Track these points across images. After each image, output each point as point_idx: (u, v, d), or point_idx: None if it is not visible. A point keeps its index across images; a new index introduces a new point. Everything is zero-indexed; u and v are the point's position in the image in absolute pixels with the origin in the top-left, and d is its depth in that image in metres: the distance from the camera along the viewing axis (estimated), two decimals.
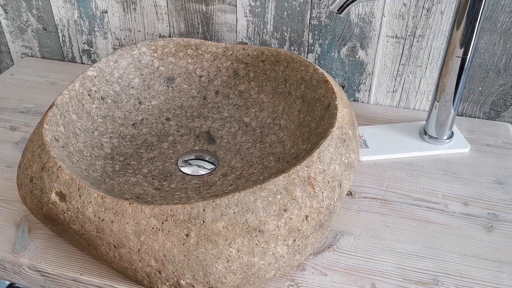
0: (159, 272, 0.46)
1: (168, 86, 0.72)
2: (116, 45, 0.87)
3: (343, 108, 0.58)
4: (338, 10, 0.57)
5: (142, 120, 0.69)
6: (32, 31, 0.91)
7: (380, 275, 0.53)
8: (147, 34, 0.84)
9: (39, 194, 0.50)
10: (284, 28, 0.77)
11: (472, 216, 0.60)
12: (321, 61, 0.78)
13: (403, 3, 0.70)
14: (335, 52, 0.77)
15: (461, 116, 0.77)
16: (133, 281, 0.49)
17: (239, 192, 0.46)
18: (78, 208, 0.47)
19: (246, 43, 0.80)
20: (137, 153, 0.64)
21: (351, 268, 0.54)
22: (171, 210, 0.45)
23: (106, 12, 0.84)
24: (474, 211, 0.60)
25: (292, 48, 0.78)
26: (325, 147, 0.52)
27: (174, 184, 0.60)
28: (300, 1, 0.74)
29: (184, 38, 0.71)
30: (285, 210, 0.47)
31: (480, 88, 0.74)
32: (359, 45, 0.75)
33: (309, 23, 0.75)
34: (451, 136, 0.70)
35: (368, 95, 0.79)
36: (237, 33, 0.80)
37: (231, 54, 0.71)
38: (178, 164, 0.64)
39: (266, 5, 0.75)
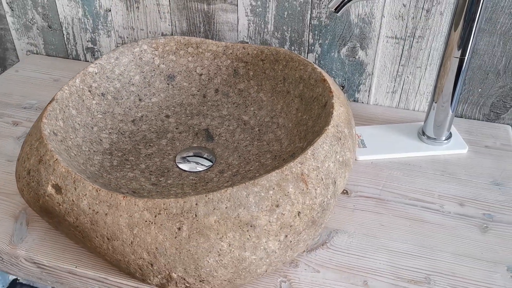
0: (151, 265, 0.47)
1: (168, 84, 0.72)
2: (119, 44, 0.88)
3: (339, 107, 0.58)
4: (335, 9, 0.57)
5: (142, 117, 0.69)
6: (37, 29, 0.92)
7: (373, 273, 0.53)
8: (150, 33, 0.85)
9: (36, 186, 0.50)
10: (284, 28, 0.77)
11: (467, 216, 0.60)
12: (321, 61, 0.79)
13: (403, 4, 0.70)
14: (335, 52, 0.77)
15: (461, 117, 0.77)
16: (126, 273, 0.50)
17: (232, 187, 0.46)
18: (73, 201, 0.48)
19: (247, 43, 0.81)
20: (135, 149, 0.65)
21: (344, 266, 0.54)
22: (164, 204, 0.46)
23: (110, 10, 0.85)
24: (470, 212, 0.60)
25: (293, 48, 0.79)
26: (320, 145, 0.52)
27: (171, 180, 0.61)
28: (300, 1, 0.74)
29: (185, 37, 0.72)
30: (277, 206, 0.47)
31: (479, 89, 0.74)
32: (359, 45, 0.75)
33: (310, 23, 0.76)
34: (449, 137, 0.70)
35: (368, 96, 0.79)
36: (238, 32, 0.80)
37: (231, 53, 0.72)
38: (176, 161, 0.64)
39: (267, 5, 0.76)
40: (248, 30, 0.79)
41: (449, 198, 0.62)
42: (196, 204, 0.46)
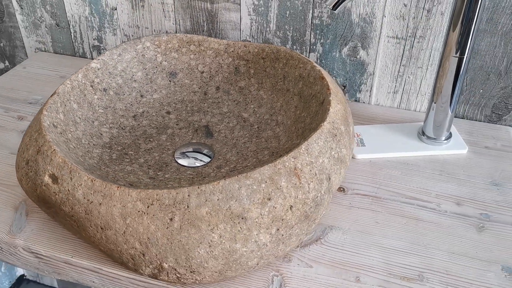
0: (143, 255, 0.47)
1: (170, 81, 0.73)
2: (124, 42, 0.89)
3: (336, 104, 0.59)
4: (333, 7, 0.57)
5: (143, 112, 0.70)
6: (46, 27, 0.94)
7: (365, 269, 0.53)
8: (154, 31, 0.86)
9: (34, 176, 0.51)
10: (286, 27, 0.78)
11: (464, 215, 0.60)
12: (323, 61, 0.79)
13: (404, 4, 0.70)
14: (337, 52, 0.77)
15: (462, 119, 0.77)
16: (119, 263, 0.50)
17: (224, 179, 0.47)
18: (68, 190, 0.49)
19: (250, 41, 0.82)
20: (135, 144, 0.66)
21: (337, 261, 0.54)
22: (157, 195, 0.47)
23: (116, 9, 0.86)
24: (467, 211, 0.60)
25: (295, 47, 0.79)
26: (314, 140, 0.52)
27: (168, 174, 0.62)
28: (302, 0, 0.75)
29: (187, 34, 0.73)
30: (269, 199, 0.47)
31: (481, 90, 0.74)
32: (360, 45, 0.75)
33: (311, 22, 0.76)
34: (449, 137, 0.70)
35: (369, 96, 0.80)
36: (241, 31, 0.81)
37: (232, 51, 0.73)
38: (175, 156, 0.65)
39: (269, 4, 0.77)
40: (251, 29, 0.80)
41: (446, 198, 0.62)
42: (189, 195, 0.46)
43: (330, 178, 0.53)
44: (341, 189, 0.64)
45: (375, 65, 0.76)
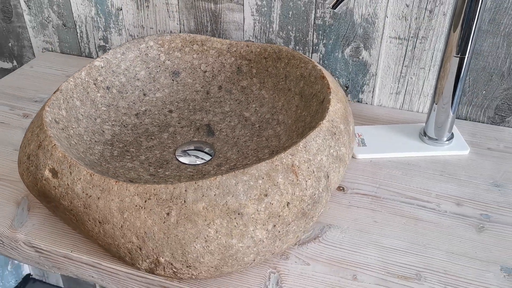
0: (140, 249, 0.47)
1: (173, 80, 0.74)
2: (128, 41, 0.90)
3: (336, 103, 0.59)
4: (333, 6, 0.58)
5: (145, 111, 0.71)
6: (53, 27, 0.95)
7: (363, 267, 0.53)
8: (159, 31, 0.87)
9: (35, 170, 0.52)
10: (289, 27, 0.78)
11: (464, 216, 0.59)
12: (325, 61, 0.79)
13: (406, 4, 0.70)
14: (339, 52, 0.77)
15: (465, 120, 0.77)
16: (117, 257, 0.51)
17: (222, 175, 0.47)
18: (68, 185, 0.49)
19: (253, 42, 0.82)
20: (137, 141, 0.66)
21: (334, 260, 0.54)
22: (154, 189, 0.47)
23: (121, 9, 0.87)
24: (467, 211, 0.60)
25: (297, 47, 0.80)
26: (312, 138, 0.52)
27: (169, 172, 0.62)
28: (305, 0, 0.75)
29: (191, 34, 0.73)
30: (265, 195, 0.48)
31: (484, 92, 0.73)
32: (362, 45, 0.75)
33: (314, 23, 0.76)
34: (450, 138, 0.70)
35: (372, 97, 0.80)
36: (244, 31, 0.81)
37: (235, 51, 0.73)
38: (176, 154, 0.65)
39: (272, 4, 0.77)
40: (254, 30, 0.81)
41: (446, 198, 0.62)
42: (186, 190, 0.47)
43: (328, 176, 0.53)
44: (341, 188, 0.64)
45: (377, 66, 0.76)
